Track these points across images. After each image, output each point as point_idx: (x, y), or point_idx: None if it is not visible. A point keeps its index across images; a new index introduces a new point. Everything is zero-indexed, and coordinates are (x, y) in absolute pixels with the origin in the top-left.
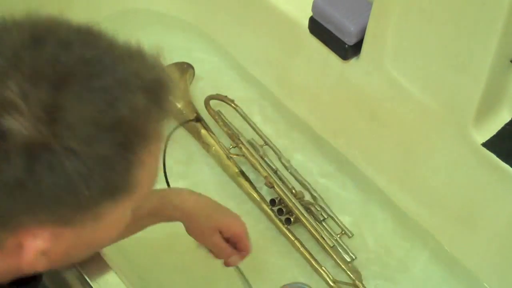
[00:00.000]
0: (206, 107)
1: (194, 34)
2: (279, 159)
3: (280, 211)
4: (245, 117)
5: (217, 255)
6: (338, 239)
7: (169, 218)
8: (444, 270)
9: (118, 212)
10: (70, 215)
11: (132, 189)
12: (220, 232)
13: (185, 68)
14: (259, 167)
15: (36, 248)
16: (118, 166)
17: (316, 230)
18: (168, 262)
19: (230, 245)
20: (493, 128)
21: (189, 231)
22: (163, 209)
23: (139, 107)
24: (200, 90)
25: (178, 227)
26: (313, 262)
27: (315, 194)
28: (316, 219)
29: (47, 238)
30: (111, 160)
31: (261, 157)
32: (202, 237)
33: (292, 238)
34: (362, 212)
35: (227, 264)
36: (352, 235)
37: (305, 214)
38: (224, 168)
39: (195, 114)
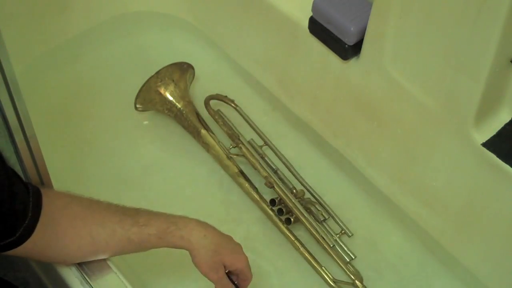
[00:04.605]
0: (206, 107)
1: (194, 34)
2: (279, 159)
3: (280, 211)
4: (245, 117)
5: None
6: (337, 239)
7: (175, 246)
8: (443, 269)
9: None
10: None
11: None
12: (224, 266)
13: (185, 68)
14: (259, 167)
15: None
16: None
17: (316, 230)
18: (167, 263)
19: (233, 275)
20: (493, 128)
21: (195, 262)
22: (170, 235)
23: None
24: (200, 90)
25: None
26: (313, 262)
27: (314, 194)
28: (316, 219)
29: None
30: None
31: (261, 157)
32: (207, 270)
33: (292, 238)
34: (361, 211)
35: None
36: (352, 234)
37: (305, 214)
38: (224, 168)
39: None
